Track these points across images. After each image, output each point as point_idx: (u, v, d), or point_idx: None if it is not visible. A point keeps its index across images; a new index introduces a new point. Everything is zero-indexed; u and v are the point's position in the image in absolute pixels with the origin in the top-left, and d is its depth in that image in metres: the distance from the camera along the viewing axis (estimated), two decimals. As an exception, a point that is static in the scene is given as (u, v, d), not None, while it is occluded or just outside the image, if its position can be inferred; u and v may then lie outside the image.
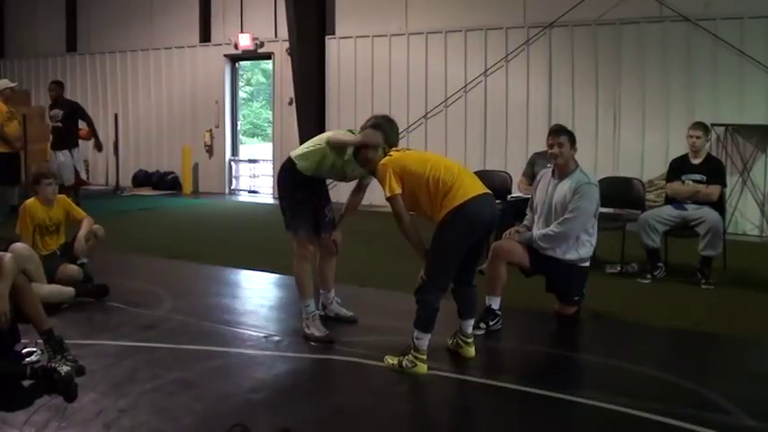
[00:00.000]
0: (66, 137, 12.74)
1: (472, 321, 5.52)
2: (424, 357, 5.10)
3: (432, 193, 5.13)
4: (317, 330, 5.79)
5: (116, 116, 17.79)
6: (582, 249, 6.13)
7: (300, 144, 14.27)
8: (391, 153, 5.36)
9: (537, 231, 6.23)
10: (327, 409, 4.59)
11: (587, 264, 6.25)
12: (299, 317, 5.94)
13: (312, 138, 6.08)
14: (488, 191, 5.28)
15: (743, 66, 11.19)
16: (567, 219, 6.07)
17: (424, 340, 5.10)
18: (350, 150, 5.62)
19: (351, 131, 5.81)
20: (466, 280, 5.43)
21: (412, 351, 5.11)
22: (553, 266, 6.17)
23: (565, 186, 6.16)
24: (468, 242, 5.14)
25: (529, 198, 6.82)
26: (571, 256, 6.11)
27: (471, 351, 5.46)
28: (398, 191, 5.14)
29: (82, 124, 13.17)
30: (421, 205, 5.23)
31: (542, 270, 6.28)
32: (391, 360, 5.18)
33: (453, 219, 5.03)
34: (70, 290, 6.77)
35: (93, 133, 13.20)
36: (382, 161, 5.29)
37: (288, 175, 5.94)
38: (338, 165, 5.76)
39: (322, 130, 14.91)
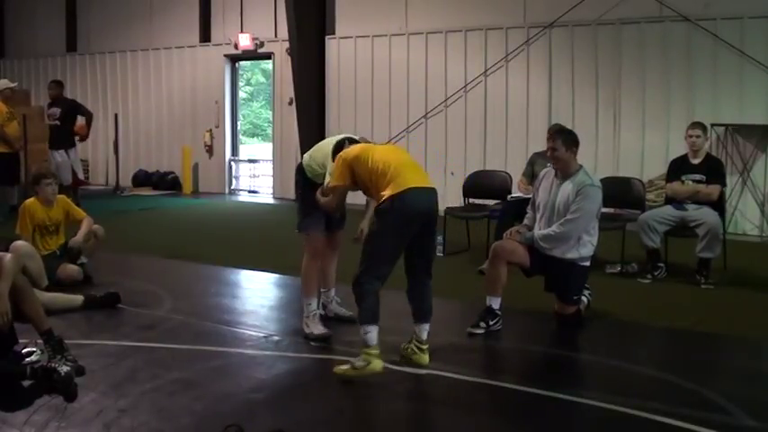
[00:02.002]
0: (62, 136, 12.71)
1: (427, 326, 5.33)
2: (377, 352, 4.92)
3: (373, 183, 5.22)
4: (315, 329, 5.80)
5: (116, 116, 17.77)
6: (583, 249, 6.13)
7: (300, 145, 14.33)
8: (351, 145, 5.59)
9: (538, 232, 6.23)
10: (327, 409, 4.60)
11: (588, 263, 6.25)
12: (299, 316, 5.95)
13: (317, 142, 6.13)
14: (430, 185, 5.27)
15: (743, 66, 11.18)
16: (569, 220, 6.06)
17: (373, 333, 4.93)
18: None
19: (347, 139, 5.82)
20: (419, 278, 5.35)
21: (362, 348, 4.94)
22: (553, 266, 6.16)
23: (567, 188, 6.14)
24: (403, 232, 5.08)
25: (528, 198, 6.82)
26: (572, 255, 6.11)
27: (425, 358, 5.29)
28: (341, 183, 5.33)
29: (81, 120, 13.12)
30: (369, 192, 5.40)
31: (543, 270, 6.28)
32: (342, 367, 5.00)
33: (388, 208, 5.04)
34: (79, 298, 6.69)
35: (87, 128, 13.11)
36: (339, 154, 5.47)
37: (300, 177, 6.09)
38: None
39: (322, 129, 14.97)
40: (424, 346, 5.32)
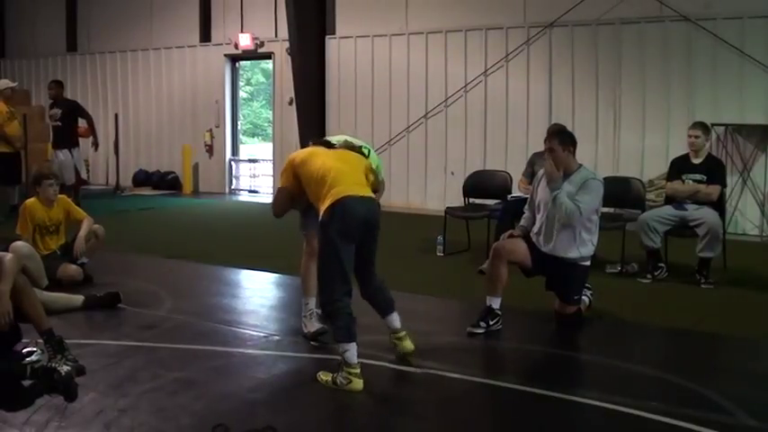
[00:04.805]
0: (65, 136, 12.72)
1: (395, 315, 5.34)
2: (357, 371, 4.82)
3: (312, 191, 5.22)
4: (312, 327, 5.79)
5: (116, 116, 17.78)
6: (583, 248, 6.12)
7: (300, 145, 14.33)
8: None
9: (556, 192, 6.05)
10: (327, 409, 4.60)
11: (588, 263, 6.24)
12: (300, 316, 5.94)
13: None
14: (367, 194, 5.14)
15: (743, 66, 11.19)
16: (578, 206, 5.98)
17: (352, 351, 4.84)
18: None
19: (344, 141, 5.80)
20: (366, 279, 5.30)
21: (344, 367, 4.84)
22: (554, 265, 6.16)
23: (569, 187, 6.10)
24: (348, 239, 4.97)
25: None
26: (572, 254, 6.10)
27: (408, 344, 5.31)
28: (283, 184, 5.49)
29: (82, 122, 13.14)
30: (314, 202, 5.30)
31: (543, 269, 6.27)
32: (324, 377, 4.92)
33: (328, 219, 4.97)
34: (79, 298, 6.69)
35: (92, 131, 13.16)
36: (289, 156, 5.58)
37: None
38: None
39: (322, 129, 14.99)
40: (401, 334, 5.32)
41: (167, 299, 7.09)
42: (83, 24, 19.63)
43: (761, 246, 10.64)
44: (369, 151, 5.79)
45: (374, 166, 5.64)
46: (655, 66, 11.96)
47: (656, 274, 7.93)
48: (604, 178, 6.98)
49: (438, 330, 5.83)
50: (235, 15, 16.80)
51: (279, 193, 5.57)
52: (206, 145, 17.46)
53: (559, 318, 6.31)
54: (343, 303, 4.92)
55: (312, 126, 14.91)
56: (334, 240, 4.92)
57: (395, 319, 5.36)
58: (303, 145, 14.12)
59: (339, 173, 5.13)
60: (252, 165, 18.32)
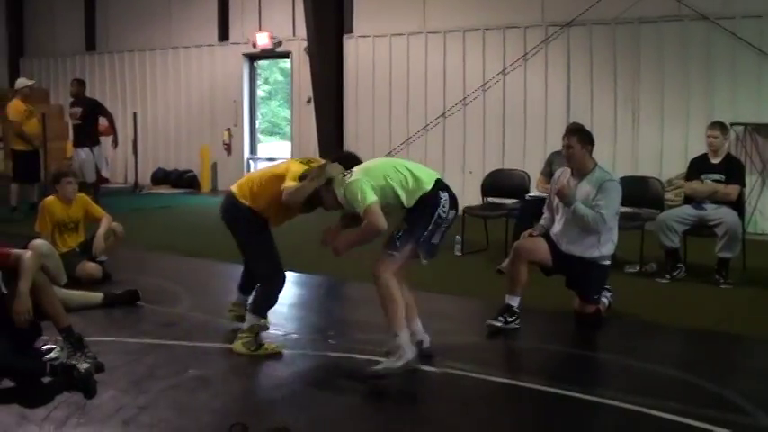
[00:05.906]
0: (86, 134, 12.75)
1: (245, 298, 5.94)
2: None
3: None
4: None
5: (135, 115, 17.85)
6: (603, 248, 6.10)
7: (319, 144, 14.38)
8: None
9: (576, 203, 6.04)
10: (346, 407, 4.61)
11: (608, 262, 6.23)
12: (318, 314, 5.96)
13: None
14: (229, 190, 5.80)
15: (762, 65, 11.10)
16: (600, 213, 5.98)
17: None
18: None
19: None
20: None
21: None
22: (574, 264, 6.14)
23: (586, 186, 6.10)
24: None
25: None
26: (592, 253, 6.09)
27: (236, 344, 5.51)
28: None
29: (103, 120, 13.18)
30: None
31: (563, 268, 6.25)
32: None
33: None
34: (98, 296, 6.74)
35: (112, 129, 13.20)
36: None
37: None
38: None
39: (340, 128, 15.01)
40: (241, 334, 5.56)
41: (186, 296, 7.12)
42: (101, 23, 19.71)
43: (780, 246, 10.56)
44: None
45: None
46: (673, 65, 11.89)
47: (674, 274, 7.89)
48: (623, 178, 6.98)
49: (456, 329, 5.82)
50: (253, 14, 16.83)
51: None
52: (224, 144, 17.51)
53: (579, 317, 6.30)
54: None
55: (330, 125, 14.93)
56: None
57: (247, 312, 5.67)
58: (322, 145, 14.24)
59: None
60: (270, 163, 18.29)
